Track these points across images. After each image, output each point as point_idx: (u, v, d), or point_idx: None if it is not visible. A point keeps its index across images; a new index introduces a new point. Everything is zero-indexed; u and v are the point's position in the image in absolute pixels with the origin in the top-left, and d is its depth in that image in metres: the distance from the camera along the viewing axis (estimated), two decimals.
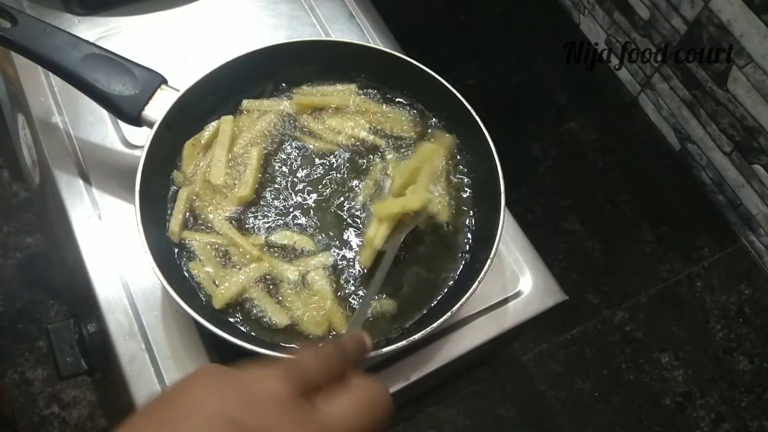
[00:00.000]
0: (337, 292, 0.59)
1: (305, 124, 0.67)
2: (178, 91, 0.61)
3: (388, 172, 0.65)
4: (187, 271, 0.59)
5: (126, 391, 0.58)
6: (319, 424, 0.33)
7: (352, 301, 0.59)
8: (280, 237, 0.61)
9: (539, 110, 1.10)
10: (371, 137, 0.66)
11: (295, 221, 0.62)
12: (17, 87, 0.73)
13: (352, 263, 0.60)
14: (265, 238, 0.60)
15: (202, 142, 0.64)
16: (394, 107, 0.68)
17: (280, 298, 0.58)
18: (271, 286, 0.58)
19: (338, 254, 0.61)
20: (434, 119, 0.68)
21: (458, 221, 0.64)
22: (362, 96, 0.68)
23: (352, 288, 0.59)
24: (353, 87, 0.68)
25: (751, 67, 0.86)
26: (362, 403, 0.36)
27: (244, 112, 0.66)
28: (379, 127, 0.67)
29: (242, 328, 0.57)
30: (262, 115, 0.66)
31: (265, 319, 0.57)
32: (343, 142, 0.66)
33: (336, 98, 0.67)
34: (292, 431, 0.32)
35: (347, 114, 0.67)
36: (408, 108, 0.68)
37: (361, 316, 0.54)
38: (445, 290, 0.61)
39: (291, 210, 0.62)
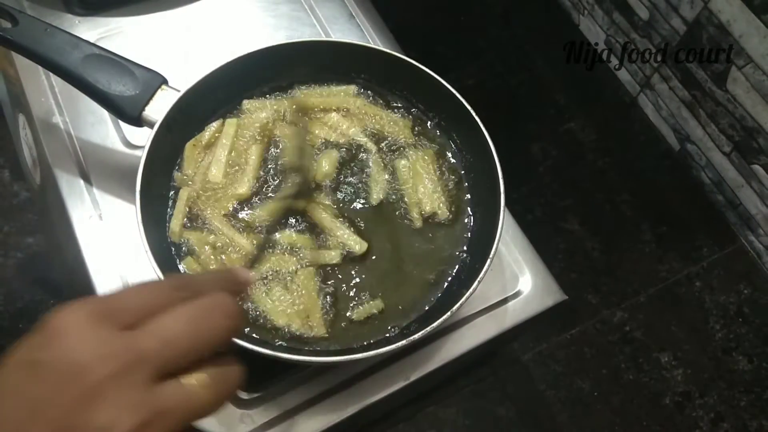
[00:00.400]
0: (325, 290, 0.59)
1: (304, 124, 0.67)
2: (178, 91, 0.61)
3: (377, 175, 0.65)
4: (187, 271, 0.59)
5: None
6: (126, 341, 0.30)
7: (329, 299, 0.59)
8: (280, 236, 0.61)
9: (539, 110, 1.10)
10: (365, 140, 0.66)
11: (292, 219, 0.62)
12: (18, 87, 0.73)
13: (344, 262, 0.61)
14: (264, 236, 0.61)
15: (203, 142, 0.64)
16: (393, 111, 0.68)
17: (276, 301, 0.58)
18: (270, 285, 0.59)
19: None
20: (432, 121, 0.68)
21: (458, 221, 0.64)
22: (362, 98, 0.68)
23: (340, 284, 0.60)
24: (353, 88, 0.68)
25: (751, 68, 0.86)
26: (187, 315, 0.32)
27: (245, 112, 0.67)
28: (375, 130, 0.67)
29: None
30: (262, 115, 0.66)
31: (260, 321, 0.57)
32: (340, 143, 0.66)
33: (335, 100, 0.68)
34: (90, 355, 0.30)
35: (346, 115, 0.67)
36: (407, 109, 0.69)
37: None
38: (445, 290, 0.61)
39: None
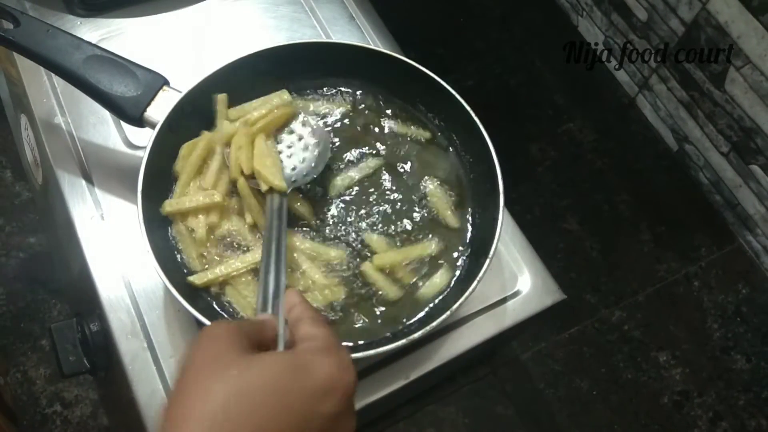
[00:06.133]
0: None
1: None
2: (180, 92, 0.62)
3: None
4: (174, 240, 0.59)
5: (128, 390, 0.59)
6: (237, 365, 0.35)
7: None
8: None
9: (538, 111, 1.11)
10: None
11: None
12: (20, 88, 0.73)
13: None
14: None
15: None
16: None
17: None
18: None
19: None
20: (433, 122, 0.69)
21: (458, 221, 0.64)
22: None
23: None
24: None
25: (749, 68, 0.86)
26: (287, 365, 0.36)
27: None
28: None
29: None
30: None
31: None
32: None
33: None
34: (214, 361, 0.36)
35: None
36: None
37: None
38: (445, 290, 0.61)
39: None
